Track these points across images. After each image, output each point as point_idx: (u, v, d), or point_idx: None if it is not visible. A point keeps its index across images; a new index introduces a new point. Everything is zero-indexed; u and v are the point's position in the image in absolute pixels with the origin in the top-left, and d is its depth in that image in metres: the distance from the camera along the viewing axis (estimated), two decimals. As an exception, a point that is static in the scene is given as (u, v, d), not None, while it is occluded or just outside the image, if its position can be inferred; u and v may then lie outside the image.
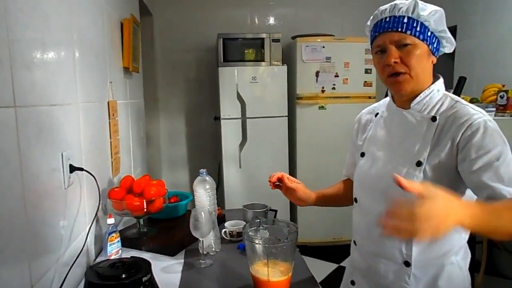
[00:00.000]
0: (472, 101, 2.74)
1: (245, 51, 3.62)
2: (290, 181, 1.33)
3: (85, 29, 1.49)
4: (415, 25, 1.02)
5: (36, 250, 1.01)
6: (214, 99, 3.92)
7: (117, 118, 1.90)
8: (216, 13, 4.02)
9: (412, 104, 1.09)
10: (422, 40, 1.03)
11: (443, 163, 1.02)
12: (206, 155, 4.16)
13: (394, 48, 1.03)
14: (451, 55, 3.64)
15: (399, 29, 1.02)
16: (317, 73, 3.54)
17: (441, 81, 1.11)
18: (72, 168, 1.22)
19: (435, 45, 1.06)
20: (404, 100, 1.11)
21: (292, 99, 3.65)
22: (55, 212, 1.14)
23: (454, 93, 2.31)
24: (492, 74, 3.08)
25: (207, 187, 1.53)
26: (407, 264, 1.07)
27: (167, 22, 3.96)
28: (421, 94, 1.08)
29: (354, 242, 1.25)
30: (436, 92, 1.09)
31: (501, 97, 2.31)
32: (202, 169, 1.55)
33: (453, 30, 3.57)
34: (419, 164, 1.03)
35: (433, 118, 1.05)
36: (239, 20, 4.09)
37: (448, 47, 1.09)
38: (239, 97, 3.52)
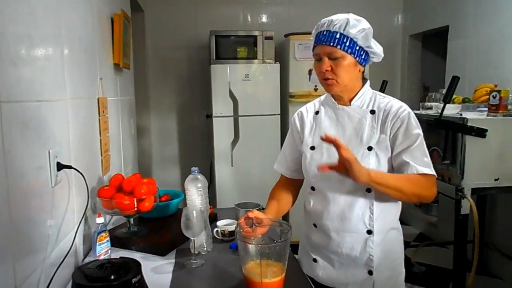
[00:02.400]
0: (464, 101, 2.74)
1: (238, 49, 3.60)
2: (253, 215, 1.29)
3: (74, 24, 1.45)
4: (345, 40, 1.23)
5: (21, 250, 0.98)
6: (206, 97, 3.89)
7: (107, 115, 1.87)
8: (208, 10, 3.99)
9: (352, 102, 1.34)
10: (350, 54, 1.24)
11: (387, 147, 1.27)
12: (198, 153, 4.14)
13: (327, 59, 1.26)
14: (443, 55, 3.65)
15: (331, 44, 1.24)
16: (310, 71, 3.53)
17: (368, 83, 1.36)
18: (60, 166, 1.19)
19: (363, 57, 1.28)
20: (344, 99, 1.34)
21: (285, 97, 3.63)
22: (41, 211, 1.10)
23: (446, 92, 2.32)
24: (484, 74, 3.09)
25: (199, 185, 1.50)
26: (370, 232, 1.30)
27: (159, 18, 3.92)
28: (359, 93, 1.33)
29: (314, 225, 1.40)
30: (368, 91, 1.35)
31: (494, 97, 2.31)
32: (194, 167, 1.52)
33: (445, 30, 3.58)
34: (370, 148, 1.27)
35: (372, 111, 1.31)
36: (232, 18, 4.07)
37: (375, 57, 1.32)
38: (232, 95, 3.49)
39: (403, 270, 1.40)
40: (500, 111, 2.30)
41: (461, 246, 2.39)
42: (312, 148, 1.37)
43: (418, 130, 1.26)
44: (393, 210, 1.36)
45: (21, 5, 1.01)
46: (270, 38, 3.56)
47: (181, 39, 3.99)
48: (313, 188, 1.39)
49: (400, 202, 1.36)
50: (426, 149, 1.26)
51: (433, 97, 2.82)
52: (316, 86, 3.55)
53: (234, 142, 3.56)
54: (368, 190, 1.27)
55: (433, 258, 3.39)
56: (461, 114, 2.40)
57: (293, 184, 1.50)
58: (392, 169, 1.29)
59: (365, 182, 1.14)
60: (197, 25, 3.96)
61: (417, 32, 4.12)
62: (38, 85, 1.10)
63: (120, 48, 2.13)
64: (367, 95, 1.34)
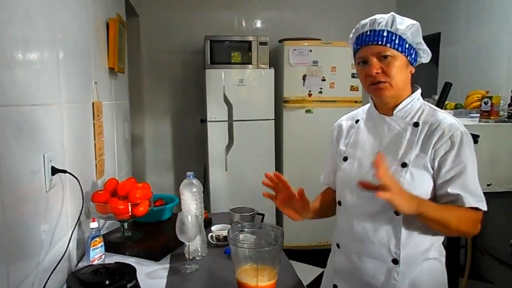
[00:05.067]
0: (456, 107, 2.77)
1: (232, 54, 3.61)
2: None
3: (69, 28, 1.45)
4: (393, 38, 1.11)
5: (15, 255, 0.97)
6: (201, 102, 3.89)
7: (102, 119, 1.86)
8: (203, 15, 4.00)
9: (395, 112, 1.18)
10: (401, 52, 1.12)
11: (426, 166, 1.11)
12: (192, 158, 4.13)
13: (375, 60, 1.12)
14: (435, 62, 3.69)
15: (379, 42, 1.11)
16: (304, 77, 3.55)
17: (419, 91, 1.22)
18: (54, 170, 1.19)
19: (413, 56, 1.16)
20: (387, 107, 1.19)
21: (279, 102, 3.64)
22: (35, 216, 1.10)
23: (439, 98, 2.35)
24: (476, 80, 3.13)
25: (194, 190, 1.50)
26: (395, 261, 1.13)
27: (153, 23, 3.92)
28: (403, 102, 1.17)
29: (337, 245, 1.29)
30: (417, 101, 1.19)
31: (485, 103, 2.34)
32: (189, 172, 1.52)
33: (437, 37, 3.62)
34: (404, 165, 1.12)
35: (416, 124, 1.15)
36: (227, 23, 4.08)
37: (424, 57, 1.20)
38: (226, 100, 3.50)
39: None
40: (492, 117, 2.32)
41: (454, 251, 2.40)
42: (345, 159, 1.25)
43: (472, 156, 1.10)
44: (428, 238, 1.15)
45: (17, 8, 1.01)
46: (264, 43, 3.57)
47: (175, 43, 3.99)
48: (339, 203, 1.26)
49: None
50: (477, 178, 1.11)
51: (426, 103, 2.84)
52: (310, 91, 3.57)
53: (229, 147, 3.56)
54: (397, 213, 1.10)
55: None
56: (453, 120, 2.43)
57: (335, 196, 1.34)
58: (429, 193, 1.12)
59: (411, 213, 1.01)
60: (192, 30, 3.96)
61: (410, 38, 4.15)
62: (33, 89, 1.10)
63: (115, 52, 2.13)
64: (414, 105, 1.18)
